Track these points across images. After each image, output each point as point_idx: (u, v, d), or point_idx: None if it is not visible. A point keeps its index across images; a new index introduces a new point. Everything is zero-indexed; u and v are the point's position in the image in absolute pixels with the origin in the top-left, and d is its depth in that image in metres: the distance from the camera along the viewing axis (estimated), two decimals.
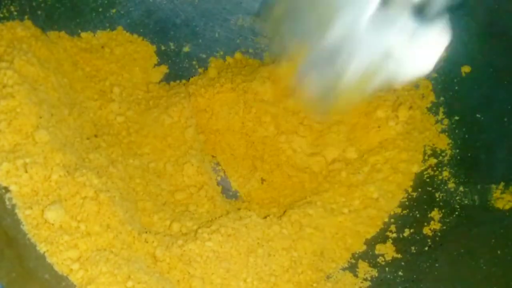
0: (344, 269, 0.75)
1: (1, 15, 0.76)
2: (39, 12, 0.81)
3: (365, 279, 0.74)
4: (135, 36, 0.93)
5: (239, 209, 0.82)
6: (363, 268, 0.75)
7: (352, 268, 0.76)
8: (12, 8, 0.78)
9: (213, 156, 0.91)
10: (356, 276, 0.74)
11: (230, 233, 0.71)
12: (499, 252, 0.70)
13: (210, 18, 0.96)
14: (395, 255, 0.76)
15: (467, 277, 0.70)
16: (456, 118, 0.84)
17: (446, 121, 0.85)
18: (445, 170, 0.82)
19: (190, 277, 0.68)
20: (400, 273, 0.74)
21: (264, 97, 0.87)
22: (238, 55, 0.98)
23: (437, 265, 0.73)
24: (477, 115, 0.82)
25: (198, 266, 0.68)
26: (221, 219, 0.75)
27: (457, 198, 0.79)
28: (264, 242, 0.72)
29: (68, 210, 0.62)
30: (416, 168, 0.82)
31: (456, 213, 0.78)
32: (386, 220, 0.79)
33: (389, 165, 0.82)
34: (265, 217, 0.77)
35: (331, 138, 0.85)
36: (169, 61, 0.95)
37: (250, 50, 0.98)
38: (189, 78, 0.94)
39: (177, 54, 0.96)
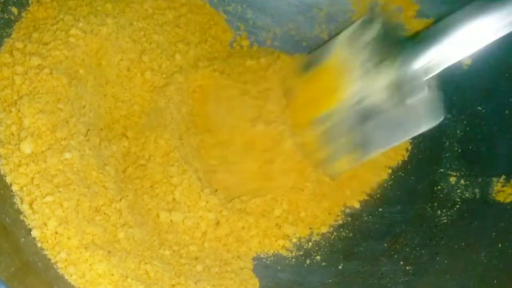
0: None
1: None
2: None
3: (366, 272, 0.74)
4: None
5: None
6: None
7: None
8: None
9: None
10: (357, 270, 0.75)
11: None
12: (499, 245, 0.70)
13: None
14: (396, 248, 0.76)
15: (468, 270, 0.70)
16: (457, 110, 0.84)
17: (446, 114, 0.84)
18: (446, 163, 0.82)
19: None
20: (400, 266, 0.74)
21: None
22: None
23: (438, 258, 0.73)
24: (478, 108, 0.81)
25: None
26: None
27: (458, 191, 0.79)
28: None
29: None
30: None
31: (457, 206, 0.77)
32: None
33: None
34: None
35: None
36: None
37: None
38: None
39: None
